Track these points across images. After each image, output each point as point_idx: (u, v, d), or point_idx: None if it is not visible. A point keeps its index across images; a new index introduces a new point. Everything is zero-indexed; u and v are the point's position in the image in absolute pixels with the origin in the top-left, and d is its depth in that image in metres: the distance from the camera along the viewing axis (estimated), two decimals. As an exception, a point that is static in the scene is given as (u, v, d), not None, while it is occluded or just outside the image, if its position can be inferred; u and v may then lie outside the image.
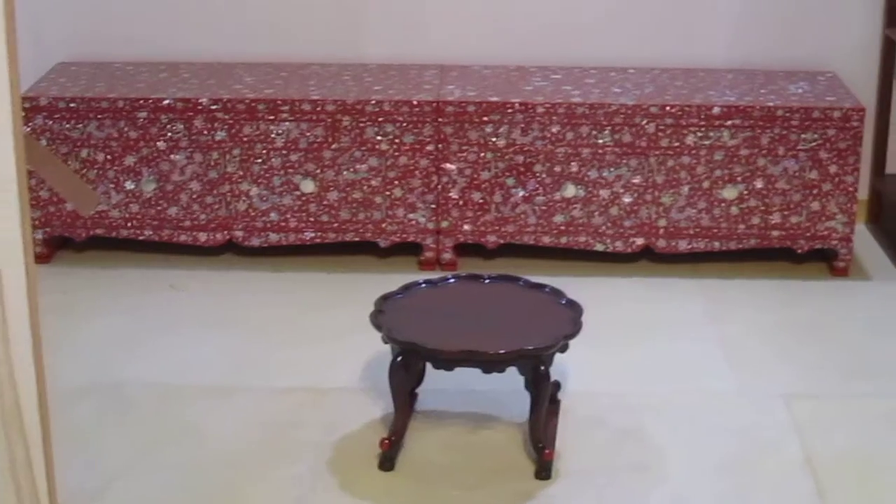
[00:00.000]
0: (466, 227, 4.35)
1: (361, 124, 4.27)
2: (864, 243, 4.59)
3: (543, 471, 3.21)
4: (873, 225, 4.74)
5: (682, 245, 4.33)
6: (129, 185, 4.35)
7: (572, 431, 3.41)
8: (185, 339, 3.93)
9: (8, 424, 1.95)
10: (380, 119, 4.26)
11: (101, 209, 4.36)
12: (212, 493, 3.16)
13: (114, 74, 4.54)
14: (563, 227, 4.33)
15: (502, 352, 3.17)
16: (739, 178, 4.26)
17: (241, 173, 4.32)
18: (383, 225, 4.36)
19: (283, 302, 4.18)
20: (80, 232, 4.42)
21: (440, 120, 4.26)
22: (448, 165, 4.30)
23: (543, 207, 4.31)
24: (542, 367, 3.19)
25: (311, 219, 4.35)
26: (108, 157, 4.33)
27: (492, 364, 3.20)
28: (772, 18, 4.62)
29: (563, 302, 3.40)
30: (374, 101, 4.26)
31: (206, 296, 4.22)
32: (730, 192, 4.28)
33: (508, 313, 3.37)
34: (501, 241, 4.37)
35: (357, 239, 4.39)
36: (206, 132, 4.30)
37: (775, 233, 4.31)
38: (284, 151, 4.30)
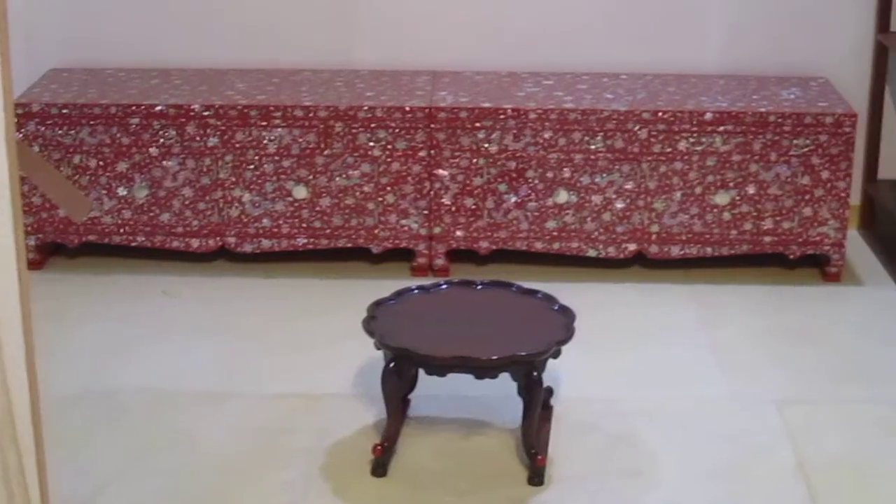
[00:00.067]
0: (459, 232, 4.35)
1: (354, 130, 4.27)
2: (857, 249, 4.59)
3: (536, 476, 3.21)
4: (865, 230, 4.75)
5: (675, 251, 4.34)
6: (122, 192, 4.35)
7: (565, 437, 3.41)
8: (178, 346, 3.92)
9: (0, 431, 1.94)
10: (372, 125, 4.26)
11: (93, 215, 4.36)
12: (204, 499, 3.16)
13: (106, 80, 4.54)
14: (555, 233, 4.33)
15: (495, 358, 3.17)
16: (732, 184, 4.27)
17: (233, 179, 4.32)
18: (376, 231, 4.36)
19: (275, 308, 4.18)
20: (72, 238, 4.41)
21: (432, 126, 4.26)
22: (440, 171, 4.30)
23: (536, 213, 4.31)
24: (535, 373, 3.19)
25: (304, 225, 4.35)
26: (101, 163, 4.32)
27: (484, 370, 3.20)
28: (764, 24, 4.63)
29: (556, 308, 3.40)
30: (366, 108, 4.26)
31: (198, 302, 4.22)
32: (722, 198, 4.28)
33: (501, 319, 3.37)
34: (494, 247, 4.37)
35: (349, 245, 4.38)
36: (198, 138, 4.29)
37: (767, 238, 4.32)
38: (277, 157, 4.30)
